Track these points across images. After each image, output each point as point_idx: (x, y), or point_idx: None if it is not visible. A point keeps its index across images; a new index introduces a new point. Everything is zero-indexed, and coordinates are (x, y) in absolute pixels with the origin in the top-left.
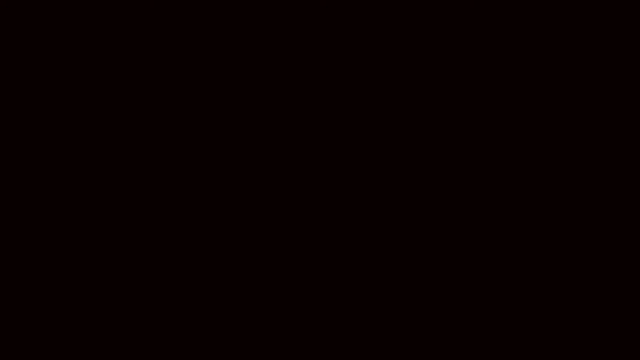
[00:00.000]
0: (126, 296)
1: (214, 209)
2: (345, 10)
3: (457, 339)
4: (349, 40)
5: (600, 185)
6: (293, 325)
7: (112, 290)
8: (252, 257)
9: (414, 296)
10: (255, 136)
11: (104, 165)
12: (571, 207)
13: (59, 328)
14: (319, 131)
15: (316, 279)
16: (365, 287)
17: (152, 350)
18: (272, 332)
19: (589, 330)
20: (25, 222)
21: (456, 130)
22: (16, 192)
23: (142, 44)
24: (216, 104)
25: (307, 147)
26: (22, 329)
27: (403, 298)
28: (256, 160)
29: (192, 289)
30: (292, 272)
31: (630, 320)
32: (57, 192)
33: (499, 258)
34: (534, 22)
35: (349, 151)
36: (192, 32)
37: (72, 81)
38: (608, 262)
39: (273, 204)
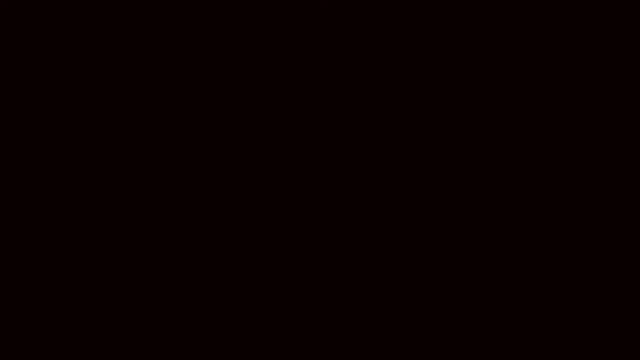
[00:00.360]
0: (126, 296)
1: (214, 209)
2: (345, 10)
3: (457, 339)
4: (349, 40)
5: (600, 185)
6: (293, 325)
7: (112, 290)
8: (252, 257)
9: (414, 296)
10: (255, 136)
11: (104, 165)
12: (571, 207)
13: (59, 328)
14: (319, 131)
15: (316, 279)
16: (366, 287)
17: (152, 350)
18: (272, 332)
19: (589, 331)
20: (25, 222)
21: (456, 130)
22: (16, 192)
23: (142, 44)
24: (216, 104)
25: (307, 147)
26: (22, 329)
27: (403, 298)
28: (256, 160)
29: (192, 289)
30: (292, 272)
31: (630, 320)
32: (57, 192)
33: (499, 258)
34: (534, 22)
35: (349, 151)
36: (192, 32)
37: (72, 81)
38: (608, 262)
39: (273, 204)
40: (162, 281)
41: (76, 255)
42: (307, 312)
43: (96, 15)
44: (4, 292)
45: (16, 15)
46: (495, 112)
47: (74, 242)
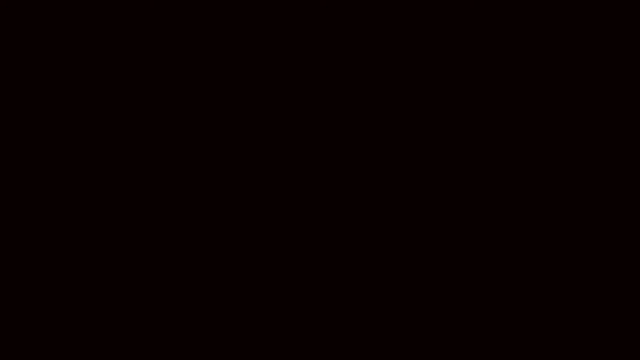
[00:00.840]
0: (126, 296)
1: (214, 209)
2: (345, 10)
3: (457, 339)
4: (349, 40)
5: (600, 185)
6: (293, 325)
7: (112, 290)
8: (252, 257)
9: (414, 296)
10: (255, 136)
11: (104, 165)
12: (571, 207)
13: (59, 328)
14: (319, 131)
15: (316, 279)
16: (365, 287)
17: (152, 350)
18: (272, 332)
19: (589, 331)
20: (25, 222)
21: (456, 130)
22: (16, 192)
23: (142, 44)
24: (216, 104)
25: (307, 147)
26: (22, 329)
27: (403, 298)
28: (256, 160)
29: (192, 289)
30: (292, 272)
31: (630, 320)
32: (57, 192)
33: (499, 258)
34: (534, 22)
35: (349, 151)
36: (192, 32)
37: (72, 81)
38: (608, 262)
39: (273, 204)
40: (162, 281)
41: (76, 256)
42: (307, 312)
43: (96, 16)
44: (4, 292)
45: (16, 16)
46: (495, 112)
47: (74, 242)
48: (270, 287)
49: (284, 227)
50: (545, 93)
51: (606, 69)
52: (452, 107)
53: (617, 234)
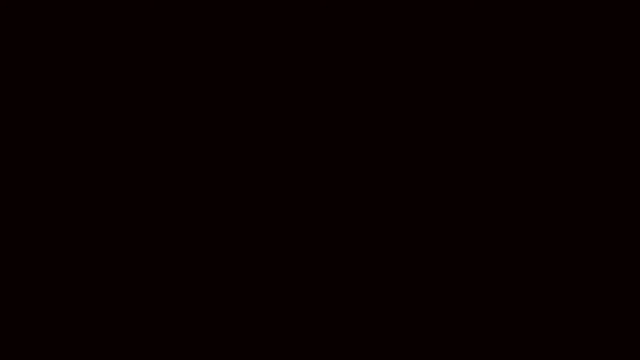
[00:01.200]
0: (126, 296)
1: (214, 209)
2: (345, 10)
3: (457, 339)
4: (349, 41)
5: (600, 185)
6: (293, 325)
7: (112, 290)
8: (252, 257)
9: (414, 296)
10: (255, 136)
11: (104, 166)
12: (571, 207)
13: (59, 328)
14: (319, 131)
15: (316, 279)
16: (366, 287)
17: (152, 350)
18: (272, 332)
19: (589, 331)
20: (25, 222)
21: (456, 130)
22: (16, 192)
23: (142, 44)
24: (216, 104)
25: (307, 147)
26: (22, 329)
27: (403, 298)
28: (256, 160)
29: (192, 289)
30: (292, 272)
31: (630, 320)
32: (57, 192)
33: (499, 258)
34: (534, 22)
35: (349, 151)
36: (192, 32)
37: (72, 81)
38: (608, 262)
39: (273, 204)
40: (162, 281)
41: (76, 256)
42: (307, 312)
43: (96, 16)
44: (4, 292)
45: (16, 16)
46: (495, 112)
47: (74, 242)
48: (270, 287)
49: (284, 227)
50: (545, 93)
51: (606, 69)
52: (452, 107)
53: (617, 234)
